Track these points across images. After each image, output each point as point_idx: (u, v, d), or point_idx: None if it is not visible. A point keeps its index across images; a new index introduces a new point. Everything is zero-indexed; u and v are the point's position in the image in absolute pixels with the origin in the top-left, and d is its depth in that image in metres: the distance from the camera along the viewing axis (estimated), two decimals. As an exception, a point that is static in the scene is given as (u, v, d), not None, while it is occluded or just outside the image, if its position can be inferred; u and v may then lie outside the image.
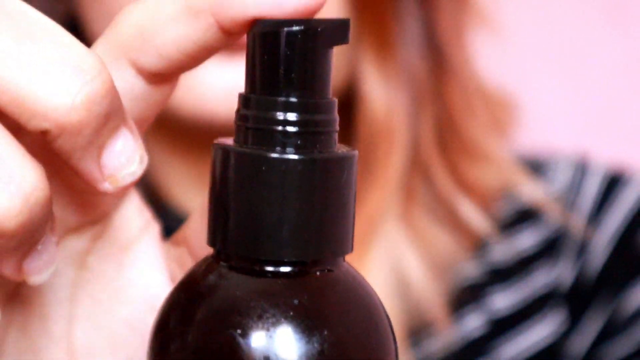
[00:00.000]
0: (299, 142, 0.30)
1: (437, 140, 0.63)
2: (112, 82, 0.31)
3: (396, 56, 0.61)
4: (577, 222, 0.66)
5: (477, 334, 0.64)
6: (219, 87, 0.56)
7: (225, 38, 0.32)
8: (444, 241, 0.63)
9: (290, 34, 0.30)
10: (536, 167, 0.69)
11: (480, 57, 0.67)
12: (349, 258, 0.58)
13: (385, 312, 0.32)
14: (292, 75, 0.30)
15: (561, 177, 0.68)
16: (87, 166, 0.32)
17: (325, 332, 0.30)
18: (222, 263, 0.31)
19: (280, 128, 0.30)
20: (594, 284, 0.65)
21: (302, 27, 0.30)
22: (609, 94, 0.94)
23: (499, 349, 0.64)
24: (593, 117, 0.94)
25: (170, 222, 0.63)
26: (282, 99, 0.30)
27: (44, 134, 0.31)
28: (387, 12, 0.61)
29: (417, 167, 0.62)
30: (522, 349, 0.64)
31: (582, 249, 0.66)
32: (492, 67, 0.69)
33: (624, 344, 0.64)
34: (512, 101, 0.69)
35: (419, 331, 0.63)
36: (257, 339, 0.29)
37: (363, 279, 0.32)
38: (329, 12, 0.58)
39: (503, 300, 0.65)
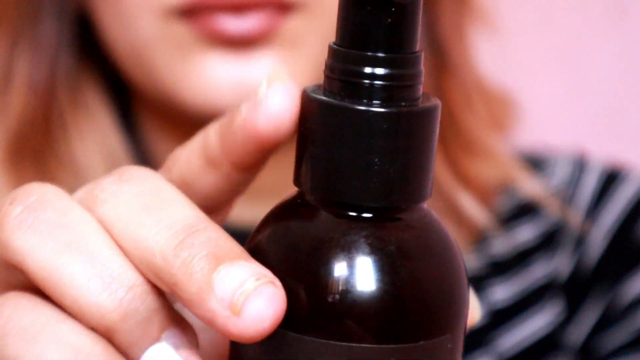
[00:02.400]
0: (384, 95, 0.31)
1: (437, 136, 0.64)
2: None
3: None
4: (575, 216, 0.67)
5: (477, 324, 0.65)
6: (224, 82, 0.58)
7: (248, 175, 0.35)
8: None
9: None
10: (535, 163, 0.70)
11: (480, 56, 0.68)
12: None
13: (461, 256, 0.34)
14: (380, 31, 0.31)
15: (560, 173, 0.69)
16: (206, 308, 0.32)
17: (402, 272, 0.31)
18: (309, 202, 0.33)
19: (367, 82, 0.31)
20: (591, 275, 0.66)
21: None
22: (609, 93, 0.95)
23: (498, 340, 0.65)
24: (592, 116, 0.95)
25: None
26: (370, 53, 0.31)
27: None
28: None
29: None
30: (520, 339, 0.65)
31: (580, 241, 0.67)
32: (492, 66, 0.70)
33: (620, 334, 0.65)
34: (512, 99, 0.70)
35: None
36: (338, 271, 0.31)
37: (441, 223, 0.34)
38: (333, 11, 0.59)
39: (502, 292, 0.66)
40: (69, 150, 0.65)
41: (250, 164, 0.35)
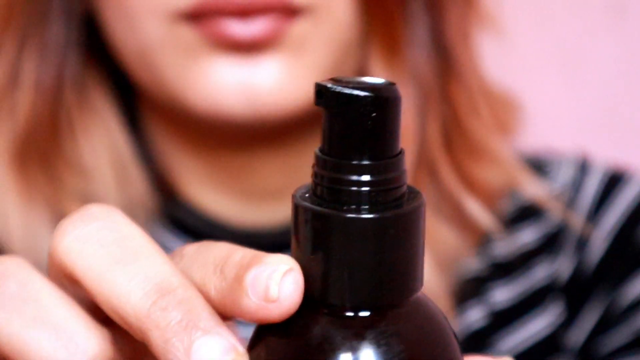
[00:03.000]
0: (370, 200, 0.32)
1: (443, 139, 0.64)
2: (188, 293, 0.35)
3: (404, 58, 0.63)
4: (577, 218, 0.68)
5: (478, 325, 0.66)
6: (230, 85, 0.58)
7: None
8: (448, 237, 0.65)
9: (362, 101, 0.32)
10: (539, 166, 0.70)
11: (485, 59, 0.68)
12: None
13: (455, 339, 0.35)
14: (363, 139, 0.33)
15: (563, 176, 0.70)
16: None
17: None
18: (310, 309, 0.34)
19: (354, 188, 0.33)
20: (592, 277, 0.67)
21: (372, 94, 0.32)
22: (611, 95, 0.94)
23: (499, 341, 0.66)
24: (594, 118, 0.95)
25: (181, 214, 0.66)
26: (355, 162, 0.33)
27: None
28: (395, 14, 0.62)
29: (423, 165, 0.64)
30: (520, 341, 0.66)
31: (581, 243, 0.67)
32: (498, 69, 0.70)
33: (619, 336, 0.66)
34: (516, 102, 0.70)
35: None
36: None
37: (435, 307, 0.35)
38: (338, 16, 0.60)
39: (503, 293, 0.66)
40: (76, 151, 0.65)
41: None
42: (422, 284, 0.34)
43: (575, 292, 0.67)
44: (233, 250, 0.36)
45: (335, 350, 0.33)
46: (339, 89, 0.33)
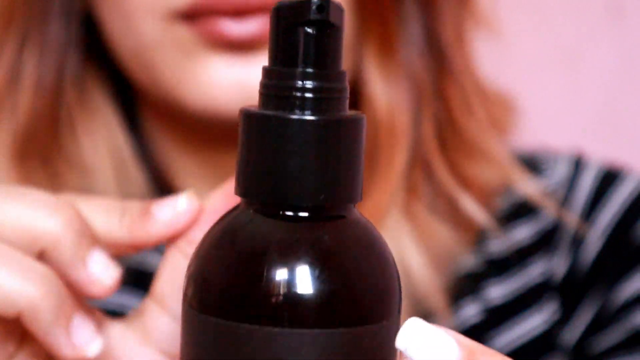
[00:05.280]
0: (314, 105, 0.35)
1: (437, 138, 0.65)
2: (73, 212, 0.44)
3: (398, 58, 0.63)
4: (572, 216, 0.68)
5: (473, 321, 0.66)
6: (226, 83, 0.59)
7: None
8: (444, 234, 0.65)
9: (305, 12, 0.35)
10: (534, 163, 0.71)
11: (485, 60, 0.69)
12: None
13: (390, 253, 0.37)
14: (308, 49, 0.35)
15: (558, 173, 0.70)
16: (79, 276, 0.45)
17: (336, 270, 0.35)
18: (249, 209, 0.36)
19: (298, 94, 0.35)
20: (587, 275, 0.67)
21: (320, 18, 0.35)
22: (608, 95, 0.94)
23: (494, 337, 0.66)
24: (592, 118, 0.95)
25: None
26: (300, 69, 0.35)
27: None
28: (390, 14, 0.63)
29: (418, 163, 0.65)
30: (515, 337, 0.66)
31: (576, 242, 0.68)
32: (497, 69, 0.71)
33: (613, 334, 0.66)
34: (511, 102, 0.71)
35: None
36: (277, 274, 0.34)
37: (371, 224, 0.37)
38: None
39: (498, 290, 0.67)
40: (75, 149, 0.66)
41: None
42: (361, 198, 0.36)
43: (570, 290, 0.67)
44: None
45: (272, 249, 0.34)
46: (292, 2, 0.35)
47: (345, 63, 0.62)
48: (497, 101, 0.70)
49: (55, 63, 0.65)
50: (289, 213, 0.35)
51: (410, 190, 0.65)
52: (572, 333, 0.67)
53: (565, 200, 0.69)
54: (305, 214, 0.35)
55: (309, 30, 0.35)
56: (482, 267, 0.67)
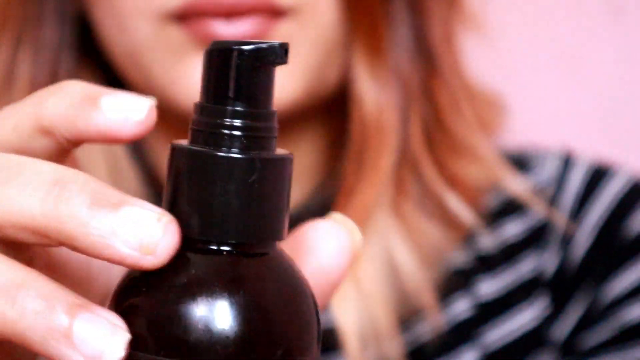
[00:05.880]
0: (242, 144, 0.35)
1: (425, 138, 0.66)
2: (88, 177, 0.35)
3: (387, 58, 0.64)
4: (561, 213, 0.69)
5: (464, 316, 0.67)
6: None
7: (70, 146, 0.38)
8: (432, 232, 0.66)
9: (239, 52, 0.35)
10: (523, 162, 0.71)
11: (469, 59, 0.69)
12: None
13: (310, 291, 0.37)
14: (239, 88, 0.35)
15: (547, 171, 0.71)
16: (113, 250, 0.35)
17: (255, 306, 0.35)
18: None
19: (227, 132, 0.35)
20: (576, 272, 0.68)
21: (249, 47, 0.35)
22: (611, 96, 0.94)
23: (485, 332, 0.67)
24: (595, 119, 0.95)
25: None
26: (230, 108, 0.35)
27: None
28: (378, 15, 0.63)
29: (406, 162, 0.65)
30: (505, 334, 0.67)
31: (566, 238, 0.68)
32: (481, 69, 0.71)
33: (602, 331, 0.66)
34: (500, 102, 0.71)
35: (409, 317, 0.66)
36: (194, 309, 0.34)
37: (293, 262, 0.37)
38: (322, 17, 0.61)
39: (488, 286, 0.67)
40: None
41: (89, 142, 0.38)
42: (284, 236, 0.36)
43: (560, 287, 0.68)
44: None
45: (191, 283, 0.35)
46: (226, 44, 0.35)
47: (335, 63, 0.64)
48: (486, 101, 0.70)
49: (50, 63, 0.66)
50: (212, 247, 0.35)
51: (398, 188, 0.65)
52: (562, 329, 0.67)
53: (554, 197, 0.69)
54: (228, 249, 0.35)
55: (238, 69, 0.35)
56: (472, 264, 0.67)
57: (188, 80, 0.60)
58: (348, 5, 0.62)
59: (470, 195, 0.67)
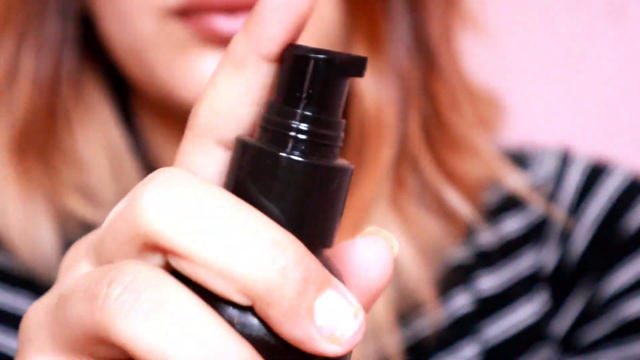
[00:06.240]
0: (305, 148, 0.35)
1: (424, 133, 0.66)
2: (304, 249, 0.34)
3: (386, 55, 0.65)
4: (559, 209, 0.69)
5: (464, 311, 0.67)
6: None
7: (274, 66, 0.36)
8: (431, 227, 0.67)
9: (316, 60, 0.35)
10: (522, 159, 0.72)
11: (468, 59, 0.70)
12: (342, 241, 0.62)
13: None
14: (311, 93, 0.36)
15: (545, 168, 0.71)
16: (303, 331, 0.33)
17: None
18: None
19: (292, 134, 0.35)
20: (576, 268, 0.68)
21: (326, 57, 0.36)
22: (612, 96, 0.95)
23: (485, 327, 0.67)
24: (582, 118, 0.95)
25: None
26: (299, 111, 0.35)
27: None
28: (378, 13, 0.64)
29: (406, 158, 0.66)
30: (505, 328, 0.67)
31: (565, 235, 0.69)
32: (481, 69, 0.72)
33: (601, 326, 0.67)
34: (498, 100, 0.72)
35: (408, 311, 0.66)
36: None
37: (340, 272, 0.37)
38: (323, 14, 0.62)
39: (489, 281, 0.68)
40: (72, 144, 0.67)
41: (278, 52, 0.36)
42: (332, 245, 0.36)
43: (559, 282, 0.68)
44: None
45: None
46: (311, 52, 0.36)
47: None
48: (485, 100, 0.71)
49: (52, 59, 0.66)
50: None
51: (398, 183, 0.66)
52: (562, 324, 0.68)
53: (552, 194, 0.70)
54: None
55: (314, 77, 0.35)
56: (472, 259, 0.68)
57: (189, 76, 0.60)
58: (347, 2, 0.63)
59: (469, 191, 0.67)
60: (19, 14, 0.65)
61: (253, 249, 0.33)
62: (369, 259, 0.37)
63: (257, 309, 0.33)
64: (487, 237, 0.68)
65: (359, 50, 0.64)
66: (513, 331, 0.67)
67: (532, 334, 0.67)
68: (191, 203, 0.34)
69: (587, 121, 0.95)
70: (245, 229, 0.33)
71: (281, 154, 0.35)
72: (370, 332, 0.64)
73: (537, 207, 0.69)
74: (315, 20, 0.62)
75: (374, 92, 0.64)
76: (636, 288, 0.67)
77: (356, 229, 0.64)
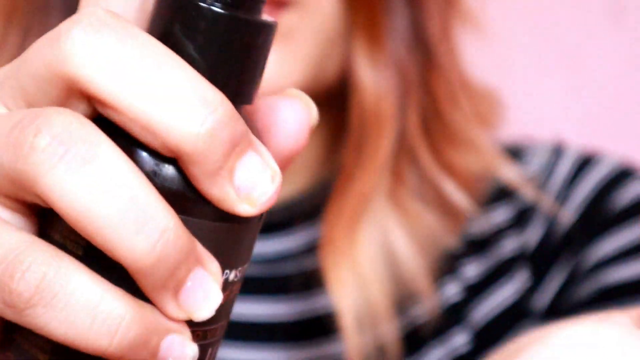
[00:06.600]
0: (229, 1, 0.34)
1: (422, 127, 0.67)
2: (233, 110, 0.33)
3: (386, 49, 0.66)
4: (548, 197, 0.70)
5: (454, 299, 0.69)
6: None
7: None
8: (428, 218, 0.68)
9: None
10: (517, 152, 0.73)
11: (467, 56, 0.71)
12: (341, 232, 0.63)
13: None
14: None
15: (538, 160, 0.73)
16: (221, 191, 0.34)
17: None
18: None
19: None
20: (559, 243, 0.70)
21: None
22: (599, 94, 0.96)
23: (472, 311, 0.68)
24: (582, 118, 0.96)
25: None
26: None
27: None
28: (377, 8, 0.65)
29: (404, 150, 0.67)
30: (490, 309, 0.69)
31: (550, 216, 0.70)
32: (480, 67, 0.73)
33: (581, 291, 0.68)
34: (496, 96, 0.73)
35: (405, 300, 0.67)
36: None
37: (257, 127, 0.37)
38: (326, 8, 0.63)
39: (474, 268, 0.69)
40: None
41: None
42: (252, 102, 0.36)
43: (541, 258, 0.70)
44: None
45: None
46: None
47: (335, 53, 0.65)
48: (483, 96, 0.72)
49: None
50: None
51: (396, 176, 0.67)
52: (544, 297, 0.69)
53: (543, 184, 0.71)
54: None
55: None
56: (461, 248, 0.69)
57: None
58: None
59: (466, 184, 0.68)
60: (24, 9, 0.66)
61: (183, 106, 0.33)
62: (287, 120, 0.37)
63: (180, 162, 0.33)
64: (477, 226, 0.70)
65: (359, 44, 0.65)
66: (496, 311, 0.68)
67: (515, 312, 0.69)
68: (123, 50, 0.33)
69: (585, 119, 0.96)
70: (176, 82, 0.33)
71: (203, 4, 0.34)
72: (368, 320, 0.65)
73: (526, 196, 0.70)
74: (317, 15, 0.63)
75: (373, 84, 0.65)
76: (619, 257, 0.68)
77: (355, 222, 0.65)
